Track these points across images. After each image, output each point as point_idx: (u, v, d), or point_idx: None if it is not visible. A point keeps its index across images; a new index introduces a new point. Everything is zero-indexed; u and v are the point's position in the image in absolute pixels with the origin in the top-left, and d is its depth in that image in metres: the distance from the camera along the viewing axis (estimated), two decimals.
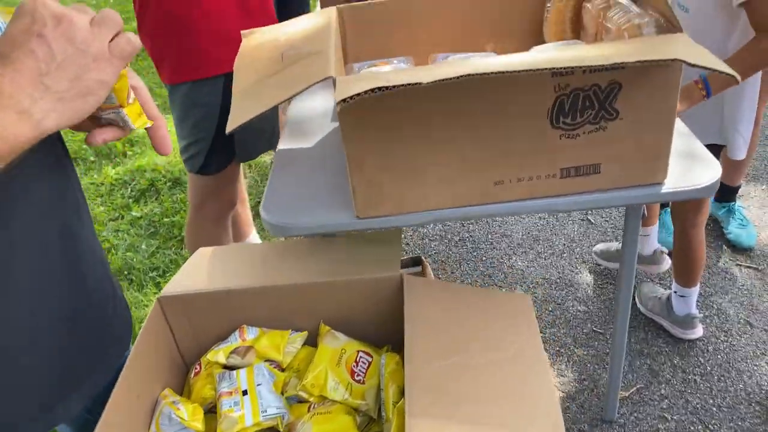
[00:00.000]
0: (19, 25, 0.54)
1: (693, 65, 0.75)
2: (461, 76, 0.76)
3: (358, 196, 1.06)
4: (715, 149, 1.68)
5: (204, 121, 1.54)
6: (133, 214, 2.89)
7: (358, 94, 0.77)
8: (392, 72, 0.87)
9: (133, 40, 0.58)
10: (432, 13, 1.32)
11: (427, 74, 0.81)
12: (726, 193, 2.27)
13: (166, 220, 2.79)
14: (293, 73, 1.04)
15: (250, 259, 1.20)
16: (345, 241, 1.18)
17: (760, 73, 1.60)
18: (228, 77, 1.49)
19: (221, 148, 1.58)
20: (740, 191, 2.47)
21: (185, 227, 1.84)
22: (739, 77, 0.74)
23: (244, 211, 2.11)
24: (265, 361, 1.07)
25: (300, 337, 1.11)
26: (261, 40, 1.22)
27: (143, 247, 2.63)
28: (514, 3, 1.31)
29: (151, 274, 2.46)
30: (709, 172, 1.09)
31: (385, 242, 1.17)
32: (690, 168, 1.10)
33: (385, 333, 1.13)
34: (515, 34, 1.33)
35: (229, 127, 0.99)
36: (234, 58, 1.46)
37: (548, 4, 1.23)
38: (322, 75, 0.96)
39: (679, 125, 1.22)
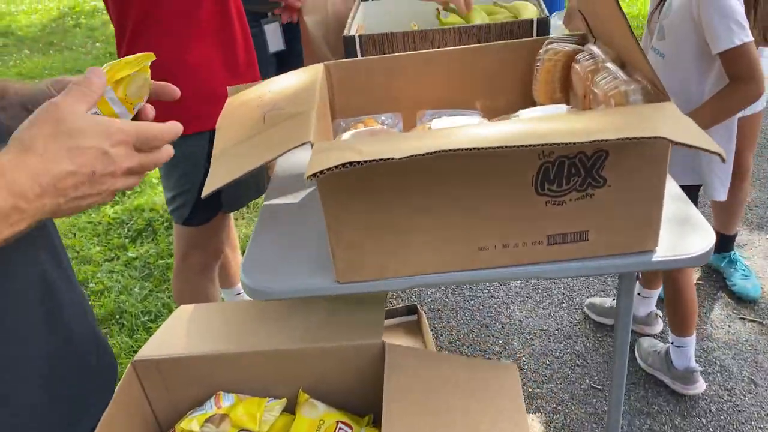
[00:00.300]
0: (91, 147, 0.60)
1: (677, 143, 0.72)
2: (434, 152, 0.73)
3: (338, 260, 1.03)
4: (693, 190, 1.67)
5: (189, 173, 1.52)
6: (129, 254, 2.87)
7: (329, 169, 0.74)
8: (368, 141, 0.84)
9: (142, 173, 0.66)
10: (420, 70, 1.31)
11: (401, 146, 0.78)
12: (723, 242, 2.22)
13: (161, 261, 2.76)
14: (273, 135, 1.02)
15: (230, 321, 1.16)
16: (326, 304, 1.14)
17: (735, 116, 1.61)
18: (214, 133, 1.48)
19: (207, 199, 1.56)
20: (743, 240, 2.42)
21: (172, 277, 1.82)
22: (724, 154, 0.71)
23: (235, 257, 2.08)
24: (241, 430, 1.03)
25: (278, 405, 1.07)
26: (245, 98, 1.21)
27: (136, 290, 2.60)
28: (503, 61, 1.29)
29: (143, 319, 2.43)
30: (703, 239, 1.05)
31: (367, 306, 1.14)
32: (683, 235, 1.06)
33: (367, 401, 1.08)
34: (504, 92, 1.31)
35: (205, 191, 0.97)
36: (219, 114, 1.45)
37: (537, 64, 1.21)
38: (301, 140, 0.94)
39: (673, 188, 1.19)
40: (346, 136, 1.06)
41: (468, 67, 1.30)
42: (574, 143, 0.72)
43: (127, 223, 3.12)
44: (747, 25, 1.41)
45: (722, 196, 1.68)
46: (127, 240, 3.00)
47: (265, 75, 1.80)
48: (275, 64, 1.96)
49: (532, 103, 1.28)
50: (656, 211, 0.99)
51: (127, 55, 1.48)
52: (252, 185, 1.71)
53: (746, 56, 1.41)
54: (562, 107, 1.04)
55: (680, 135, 0.74)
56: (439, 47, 1.40)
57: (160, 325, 1.16)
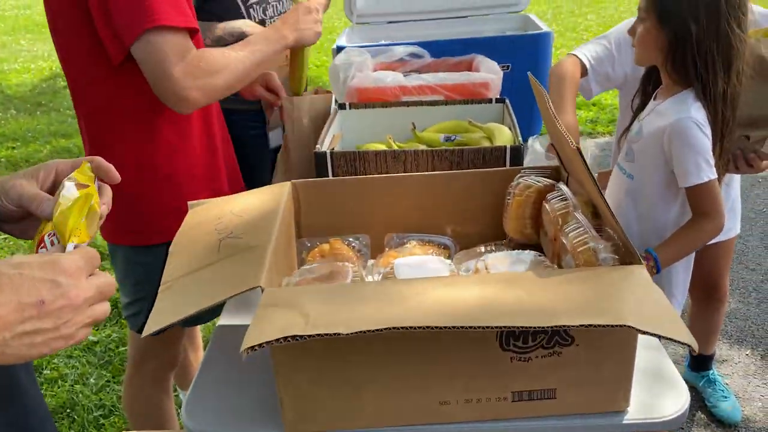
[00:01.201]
0: (36, 276, 0.58)
1: (644, 333, 0.67)
2: (385, 328, 0.68)
3: (287, 410, 0.95)
4: None
5: (144, 282, 1.46)
6: (91, 338, 2.75)
7: (269, 342, 0.68)
8: (318, 298, 0.78)
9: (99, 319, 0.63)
10: (390, 193, 1.27)
11: (353, 312, 0.73)
12: (701, 361, 2.17)
13: (122, 349, 2.64)
14: (224, 271, 0.96)
15: None
16: None
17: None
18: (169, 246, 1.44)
19: None
20: (722, 355, 2.37)
21: (123, 383, 1.71)
22: (695, 346, 0.67)
23: (196, 358, 1.99)
24: None
25: None
26: (204, 217, 1.16)
27: (92, 380, 2.47)
28: (475, 188, 1.26)
29: (95, 414, 2.29)
30: (677, 399, 0.99)
31: None
32: (657, 394, 1.01)
33: None
34: (475, 219, 1.28)
35: (146, 331, 0.91)
36: (177, 227, 1.40)
37: (508, 197, 1.19)
38: (251, 284, 0.89)
39: (648, 339, 1.14)
40: (295, 278, 1.00)
41: (439, 193, 1.27)
42: (536, 327, 0.67)
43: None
44: (713, 161, 1.43)
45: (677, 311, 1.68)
46: None
47: (263, 171, 1.89)
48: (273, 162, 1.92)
49: (503, 234, 1.25)
50: (627, 372, 0.94)
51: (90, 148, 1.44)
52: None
53: (711, 193, 1.44)
54: (529, 255, 1.00)
55: (648, 321, 0.69)
56: (411, 167, 1.38)
57: (112, 423, 1.07)
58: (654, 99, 1.59)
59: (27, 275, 0.57)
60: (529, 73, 1.20)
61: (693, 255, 1.63)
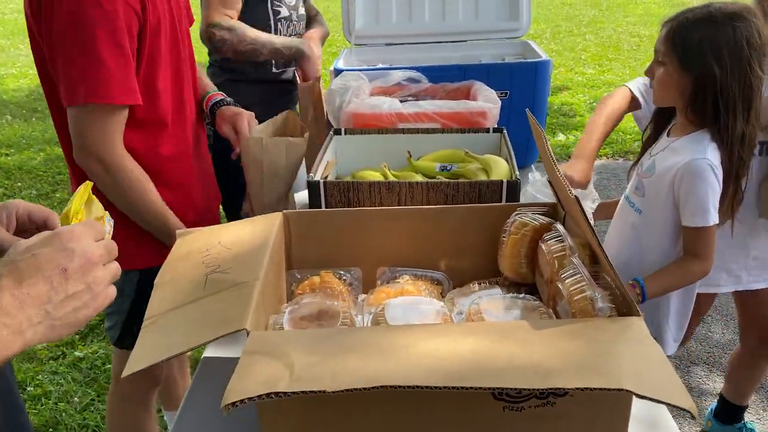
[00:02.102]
0: (48, 251, 0.62)
1: (642, 397, 0.65)
2: (373, 387, 0.65)
3: None
4: None
5: (118, 297, 1.44)
6: (76, 353, 2.71)
7: (251, 399, 0.65)
8: (305, 347, 0.76)
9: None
10: (383, 225, 1.25)
11: (342, 363, 0.70)
12: (733, 413, 2.06)
13: (108, 366, 2.60)
14: (210, 308, 0.93)
15: None
16: None
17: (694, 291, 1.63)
18: (143, 273, 1.43)
19: (140, 324, 1.48)
20: (755, 398, 2.28)
21: (107, 398, 1.68)
22: (695, 411, 0.64)
23: (183, 379, 1.95)
24: None
25: None
26: (191, 248, 1.13)
27: (77, 398, 2.43)
28: (470, 223, 1.24)
29: None
30: None
31: None
32: None
33: None
34: (469, 254, 1.25)
35: (126, 371, 0.87)
36: (151, 254, 1.38)
37: (504, 234, 1.16)
38: (236, 326, 0.86)
39: None
40: (283, 317, 0.97)
41: (433, 227, 1.25)
42: (529, 389, 0.65)
43: None
44: (716, 210, 1.44)
45: (671, 350, 1.66)
46: (77, 336, 2.84)
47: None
48: None
49: (497, 270, 1.22)
50: (622, 422, 0.91)
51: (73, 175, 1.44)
52: None
53: (709, 237, 1.44)
54: (523, 300, 0.98)
55: (646, 383, 0.67)
56: (406, 199, 1.36)
57: None
58: (668, 135, 1.57)
59: (40, 254, 0.62)
60: (527, 110, 1.18)
61: (692, 289, 1.61)
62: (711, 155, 1.42)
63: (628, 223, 1.61)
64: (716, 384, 2.34)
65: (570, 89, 6.05)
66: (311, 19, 2.29)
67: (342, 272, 1.23)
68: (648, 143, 1.63)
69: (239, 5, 1.94)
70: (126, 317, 1.52)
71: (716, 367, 2.43)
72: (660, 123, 1.61)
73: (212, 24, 1.88)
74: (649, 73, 1.50)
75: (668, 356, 2.19)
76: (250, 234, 1.15)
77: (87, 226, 0.69)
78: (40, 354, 2.71)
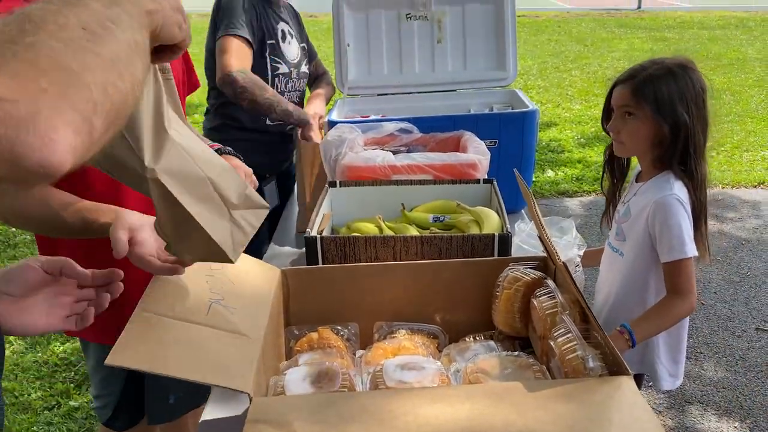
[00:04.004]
0: None
1: None
2: None
3: None
4: (638, 379, 1.68)
5: (110, 379, 1.45)
6: (71, 403, 2.69)
7: None
8: (306, 423, 0.78)
9: None
10: (379, 281, 1.28)
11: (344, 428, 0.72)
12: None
13: None
14: (210, 347, 0.93)
15: None
16: None
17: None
18: None
19: (130, 406, 1.49)
20: (710, 428, 2.35)
21: None
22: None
23: None
24: None
25: None
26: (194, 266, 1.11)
27: None
28: (464, 276, 1.27)
29: None
30: None
31: None
32: None
33: None
34: (464, 307, 1.29)
35: (109, 361, 0.85)
36: None
37: (497, 289, 1.20)
38: (239, 386, 0.88)
39: None
40: (284, 378, 0.99)
41: (428, 281, 1.28)
42: None
43: (75, 365, 2.95)
44: (692, 241, 1.48)
45: (668, 385, 1.67)
46: (72, 384, 2.82)
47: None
48: (269, 218, 1.95)
49: (491, 322, 1.25)
50: None
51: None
52: (187, 391, 1.54)
53: (688, 270, 1.48)
54: (518, 358, 1.01)
55: None
56: (400, 252, 1.39)
57: None
58: (636, 181, 1.64)
59: None
60: (515, 170, 1.23)
61: (684, 325, 1.64)
62: (678, 191, 1.50)
63: (615, 269, 1.65)
64: (711, 423, 2.36)
65: (558, 125, 6.15)
66: (318, 78, 2.37)
67: (339, 328, 1.26)
68: (611, 193, 1.71)
69: (251, 60, 2.01)
70: (119, 400, 1.51)
71: (710, 406, 2.44)
72: (616, 173, 1.69)
73: (238, 70, 1.94)
74: (613, 128, 1.55)
75: (664, 392, 2.20)
76: (252, 285, 1.16)
77: None
78: (34, 404, 2.69)
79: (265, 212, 0.80)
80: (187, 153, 0.67)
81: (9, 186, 0.59)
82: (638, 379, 1.70)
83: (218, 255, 0.75)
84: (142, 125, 0.61)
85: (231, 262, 0.82)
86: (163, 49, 0.63)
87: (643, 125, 1.50)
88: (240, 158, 1.57)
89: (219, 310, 1.02)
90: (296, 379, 1.00)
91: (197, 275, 1.07)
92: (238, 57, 1.96)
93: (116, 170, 0.65)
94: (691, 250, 1.48)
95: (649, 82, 1.49)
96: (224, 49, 1.96)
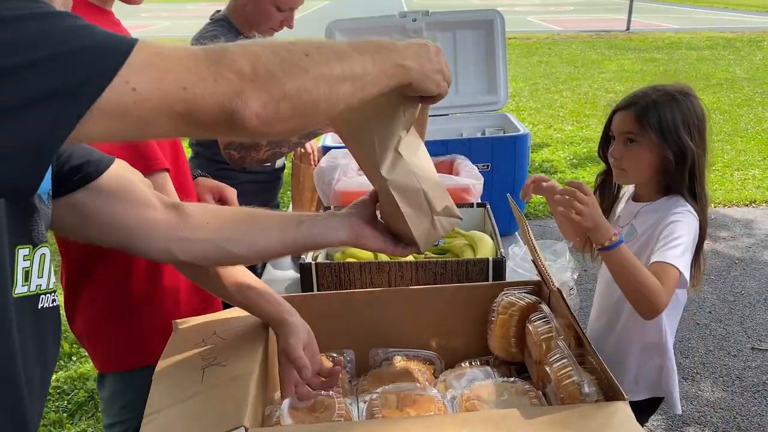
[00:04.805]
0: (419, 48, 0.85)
1: None
2: None
3: None
4: (655, 403, 1.62)
5: (134, 403, 1.41)
6: None
7: None
8: None
9: None
10: (374, 306, 1.28)
11: None
12: None
13: None
14: (207, 405, 0.95)
15: None
16: None
17: (670, 330, 1.58)
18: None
19: None
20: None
21: None
22: None
23: None
24: None
25: None
26: (188, 340, 1.15)
27: None
28: (458, 302, 1.28)
29: None
30: None
31: None
32: None
33: None
34: (459, 332, 1.29)
35: None
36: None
37: (492, 315, 1.20)
38: (234, 424, 0.88)
39: None
40: (280, 409, 0.99)
41: (423, 306, 1.28)
42: None
43: (68, 394, 2.92)
44: (689, 262, 1.41)
45: (679, 408, 1.64)
46: (65, 414, 2.78)
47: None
48: None
49: (487, 347, 1.25)
50: None
51: (75, 272, 1.43)
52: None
53: (670, 281, 1.35)
54: (514, 384, 1.01)
55: None
56: (395, 278, 1.39)
57: None
58: (634, 200, 1.60)
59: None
60: (508, 195, 1.24)
61: (669, 355, 1.61)
62: (692, 209, 1.46)
63: (615, 287, 1.59)
64: None
65: (550, 146, 6.20)
66: None
67: (335, 355, 1.26)
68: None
69: None
70: (138, 425, 1.47)
71: (708, 427, 2.43)
72: (606, 199, 1.65)
73: (228, 145, 1.85)
74: (614, 154, 1.52)
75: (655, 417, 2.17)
76: (245, 323, 1.17)
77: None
78: None
79: (458, 222, 1.01)
80: (412, 169, 0.92)
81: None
82: (656, 403, 1.64)
83: (413, 244, 0.99)
84: (388, 141, 0.90)
85: (420, 252, 1.13)
86: (425, 97, 0.86)
87: (647, 152, 1.47)
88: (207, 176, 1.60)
89: (212, 370, 1.03)
90: (292, 409, 0.99)
91: (189, 356, 1.09)
92: None
93: (364, 153, 0.93)
94: (684, 266, 1.39)
95: (652, 108, 1.46)
96: None
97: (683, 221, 1.43)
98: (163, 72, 0.59)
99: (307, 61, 0.67)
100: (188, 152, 2.09)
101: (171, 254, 0.94)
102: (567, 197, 1.28)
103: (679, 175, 1.48)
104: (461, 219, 1.01)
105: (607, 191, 1.66)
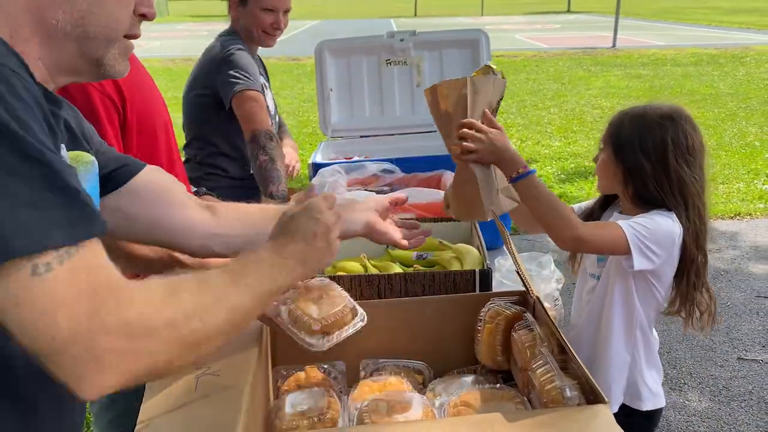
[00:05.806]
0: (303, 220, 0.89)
1: None
2: None
3: None
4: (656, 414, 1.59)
5: (123, 415, 1.44)
6: None
7: None
8: None
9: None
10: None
11: None
12: None
13: None
14: (201, 415, 0.97)
15: None
16: None
17: (641, 328, 1.54)
18: None
19: None
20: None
21: None
22: None
23: None
24: None
25: None
26: None
27: None
28: (447, 312, 1.31)
29: None
30: None
31: None
32: None
33: None
34: (448, 342, 1.32)
35: None
36: None
37: (479, 324, 1.23)
38: None
39: None
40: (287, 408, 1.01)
41: (412, 318, 1.32)
42: None
43: None
44: (642, 237, 1.39)
45: (651, 404, 1.57)
46: None
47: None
48: None
49: (474, 358, 1.28)
50: None
51: None
52: None
53: (605, 227, 1.43)
54: (501, 390, 1.04)
55: None
56: (385, 290, 1.43)
57: None
58: (620, 213, 1.63)
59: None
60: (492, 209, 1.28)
61: (656, 349, 1.62)
62: (674, 218, 1.45)
63: (595, 294, 1.60)
64: None
65: (538, 162, 6.27)
66: (281, 127, 2.41)
67: (326, 366, 1.28)
68: None
69: None
70: None
71: None
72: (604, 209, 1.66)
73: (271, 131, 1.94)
74: (595, 160, 1.57)
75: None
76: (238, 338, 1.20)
77: (325, 198, 0.92)
78: None
79: (515, 204, 1.34)
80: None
81: None
82: (658, 414, 1.59)
83: (479, 212, 1.29)
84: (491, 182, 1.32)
85: (485, 218, 1.30)
86: None
87: (605, 163, 1.51)
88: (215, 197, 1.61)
89: (205, 380, 1.06)
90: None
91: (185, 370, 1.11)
92: (267, 115, 1.99)
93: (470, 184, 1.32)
94: (631, 234, 1.37)
95: (620, 122, 1.50)
96: (260, 103, 1.97)
97: (656, 218, 1.42)
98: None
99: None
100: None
101: (209, 249, 1.04)
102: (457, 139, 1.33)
103: (643, 191, 1.47)
104: (518, 201, 1.30)
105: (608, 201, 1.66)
